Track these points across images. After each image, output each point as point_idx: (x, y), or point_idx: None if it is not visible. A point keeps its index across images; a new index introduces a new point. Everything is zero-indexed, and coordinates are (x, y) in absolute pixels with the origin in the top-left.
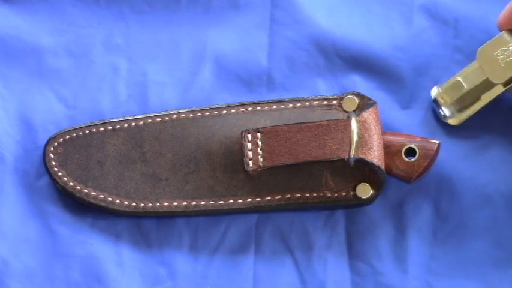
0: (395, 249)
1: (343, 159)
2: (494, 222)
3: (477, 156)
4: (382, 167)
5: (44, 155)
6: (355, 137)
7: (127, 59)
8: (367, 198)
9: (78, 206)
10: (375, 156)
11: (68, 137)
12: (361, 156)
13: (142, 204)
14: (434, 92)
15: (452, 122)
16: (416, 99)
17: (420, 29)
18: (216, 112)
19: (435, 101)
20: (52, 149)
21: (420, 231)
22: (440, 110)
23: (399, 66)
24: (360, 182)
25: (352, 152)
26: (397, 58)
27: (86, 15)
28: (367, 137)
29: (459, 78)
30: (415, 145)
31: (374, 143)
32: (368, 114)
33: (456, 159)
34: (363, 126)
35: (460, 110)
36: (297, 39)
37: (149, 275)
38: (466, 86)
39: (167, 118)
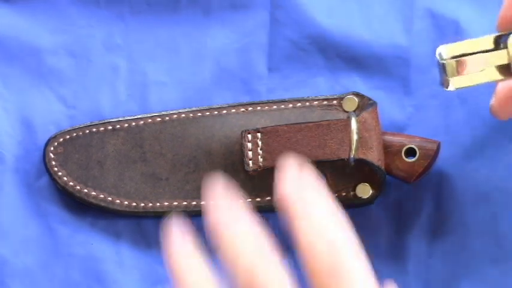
0: (395, 249)
1: (343, 159)
2: (494, 221)
3: (476, 154)
4: (382, 167)
5: (44, 155)
6: (355, 137)
7: (127, 58)
8: (367, 198)
9: (78, 206)
10: (375, 156)
11: (68, 136)
12: (361, 156)
13: (142, 204)
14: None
15: (446, 84)
16: (416, 99)
17: (420, 29)
18: (216, 112)
19: (440, 55)
20: (52, 149)
21: (420, 230)
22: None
23: (399, 66)
24: (360, 182)
25: (352, 152)
26: (398, 58)
27: (85, 15)
28: (367, 137)
29: (483, 54)
30: (415, 145)
31: (374, 143)
32: (368, 114)
33: (455, 158)
34: (363, 126)
35: (460, 79)
36: (297, 39)
37: (149, 275)
38: (488, 64)
39: (167, 118)
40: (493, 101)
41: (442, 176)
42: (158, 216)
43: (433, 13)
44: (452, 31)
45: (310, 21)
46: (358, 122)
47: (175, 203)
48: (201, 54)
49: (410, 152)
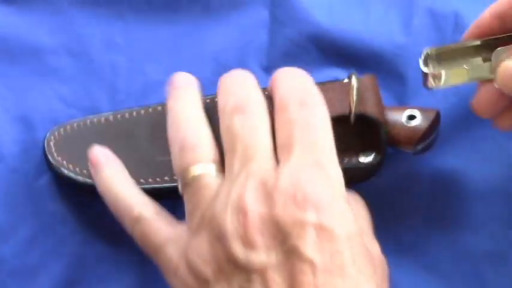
0: (391, 246)
1: (344, 115)
2: (492, 220)
3: (472, 151)
4: (383, 123)
5: (44, 148)
6: (355, 93)
7: (126, 58)
8: (369, 162)
9: (78, 205)
10: (375, 111)
11: (68, 126)
12: (361, 111)
13: (142, 180)
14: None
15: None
16: (416, 97)
17: (420, 26)
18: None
19: (425, 60)
20: (52, 141)
21: (415, 227)
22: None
23: (399, 64)
24: (360, 151)
25: (353, 108)
26: (397, 56)
27: (85, 15)
28: (367, 96)
29: (466, 67)
30: (416, 110)
31: (374, 101)
32: (368, 78)
33: (454, 157)
34: (363, 86)
35: (444, 78)
36: (296, 38)
37: (149, 275)
38: (470, 77)
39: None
40: (474, 100)
41: (440, 175)
42: (159, 193)
43: (433, 11)
44: (452, 29)
45: (310, 20)
46: (358, 81)
47: (176, 177)
48: (201, 53)
49: (411, 120)
